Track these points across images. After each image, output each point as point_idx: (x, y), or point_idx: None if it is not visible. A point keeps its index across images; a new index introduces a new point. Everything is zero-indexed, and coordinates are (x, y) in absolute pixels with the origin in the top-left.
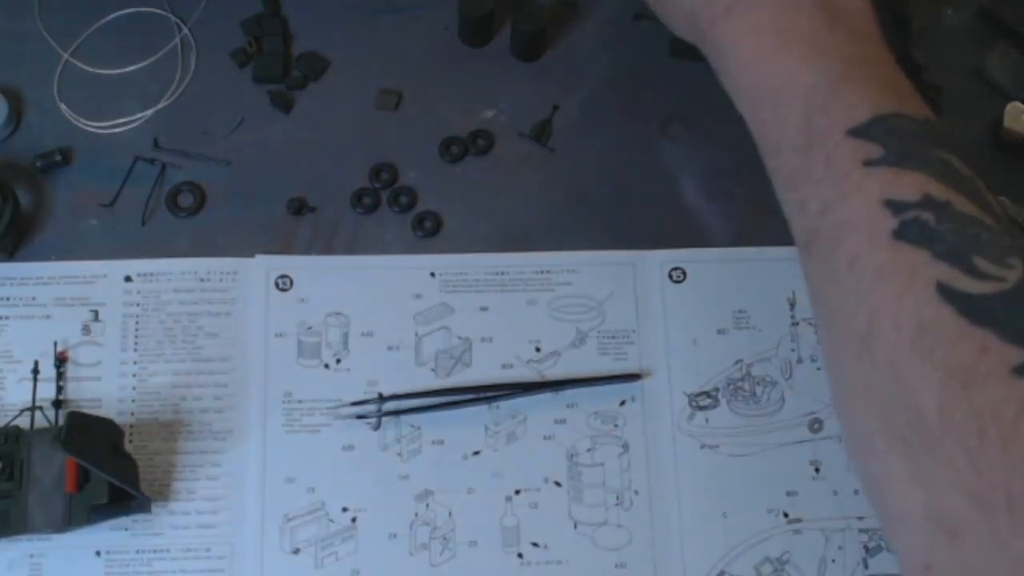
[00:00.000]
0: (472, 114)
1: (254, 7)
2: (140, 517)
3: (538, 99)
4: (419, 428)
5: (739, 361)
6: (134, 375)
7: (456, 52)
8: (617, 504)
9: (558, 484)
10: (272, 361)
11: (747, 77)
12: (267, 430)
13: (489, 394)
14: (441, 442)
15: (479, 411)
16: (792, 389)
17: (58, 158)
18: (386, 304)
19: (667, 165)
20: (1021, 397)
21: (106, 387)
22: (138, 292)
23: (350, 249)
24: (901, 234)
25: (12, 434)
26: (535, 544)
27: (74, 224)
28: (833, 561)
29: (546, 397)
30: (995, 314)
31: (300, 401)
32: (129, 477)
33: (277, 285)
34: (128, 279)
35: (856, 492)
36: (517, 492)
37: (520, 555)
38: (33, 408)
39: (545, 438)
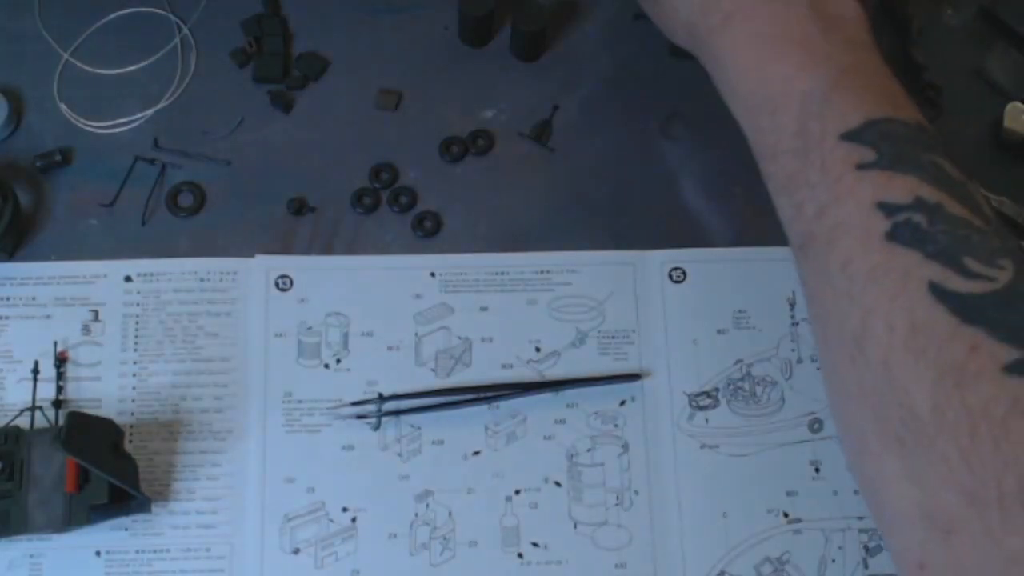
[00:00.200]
0: (472, 114)
1: (254, 7)
2: (140, 517)
3: (538, 99)
4: (419, 428)
5: (739, 361)
6: (134, 375)
7: (456, 52)
8: (617, 504)
9: (558, 484)
10: (272, 361)
11: (744, 85)
12: (267, 430)
13: (489, 394)
14: (441, 442)
15: (479, 411)
16: (792, 389)
17: (58, 158)
18: (386, 304)
19: (667, 165)
20: (1012, 395)
21: (106, 387)
22: (138, 292)
23: (350, 249)
24: (893, 236)
25: (12, 434)
26: (535, 544)
27: (74, 224)
28: (833, 561)
29: (546, 397)
30: (986, 313)
31: (300, 401)
32: (129, 477)
33: (277, 285)
34: (128, 279)
35: (856, 492)
36: (517, 492)
37: (520, 555)
38: (33, 408)
39: (545, 438)
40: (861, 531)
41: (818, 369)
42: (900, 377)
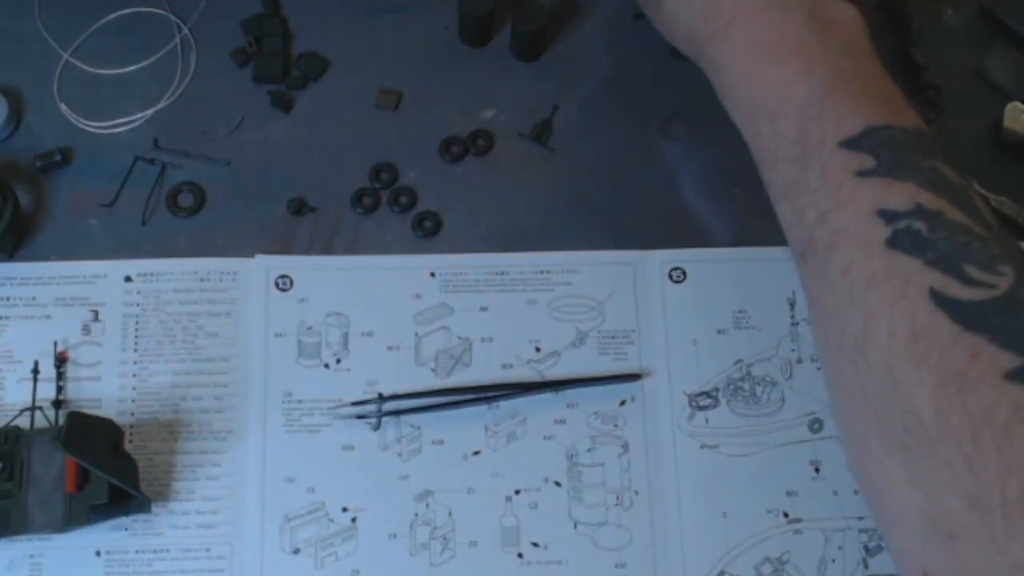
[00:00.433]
0: (472, 114)
1: (254, 7)
2: (140, 517)
3: (538, 99)
4: (419, 428)
5: (739, 361)
6: (134, 375)
7: (456, 52)
8: (617, 504)
9: (558, 484)
10: (272, 361)
11: (744, 91)
12: (267, 430)
13: (489, 394)
14: (441, 442)
15: (479, 411)
16: (792, 389)
17: (58, 158)
18: (386, 304)
19: (667, 165)
20: (1014, 401)
21: (106, 387)
22: (138, 292)
23: (350, 249)
24: (894, 243)
25: (12, 434)
26: (535, 544)
27: (74, 224)
28: (833, 561)
29: (546, 397)
30: (987, 320)
31: (300, 401)
32: (129, 477)
33: (277, 285)
34: (128, 279)
35: (856, 492)
36: (517, 492)
37: (520, 555)
38: (33, 408)
39: (545, 438)
40: (861, 531)
41: (818, 369)
42: (902, 382)
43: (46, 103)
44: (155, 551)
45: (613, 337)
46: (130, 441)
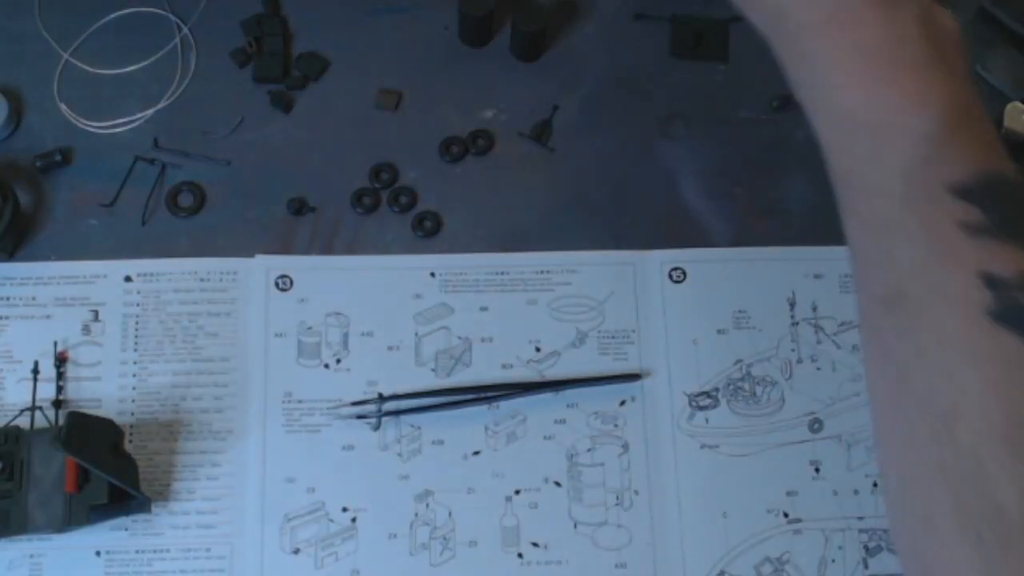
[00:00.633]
0: (472, 114)
1: (254, 7)
2: (140, 517)
3: (538, 99)
4: (419, 428)
5: (739, 361)
6: (134, 375)
7: (456, 52)
8: (617, 504)
9: (558, 484)
10: (272, 361)
11: (844, 102)
12: (267, 430)
13: (489, 394)
14: (441, 442)
15: (479, 411)
16: (792, 389)
17: (58, 158)
18: (386, 304)
19: (667, 165)
20: None
21: (106, 387)
22: (138, 292)
23: (350, 249)
24: (999, 316)
25: (12, 434)
26: (535, 544)
27: (74, 224)
28: (833, 561)
29: (546, 397)
30: None
31: (300, 401)
32: (129, 477)
33: (277, 285)
34: (128, 279)
35: (856, 492)
36: (517, 492)
37: (520, 555)
38: (33, 408)
39: (545, 438)
40: (861, 531)
41: (818, 369)
42: (991, 472)
43: (46, 103)
44: (155, 551)
45: (613, 337)
46: (130, 441)
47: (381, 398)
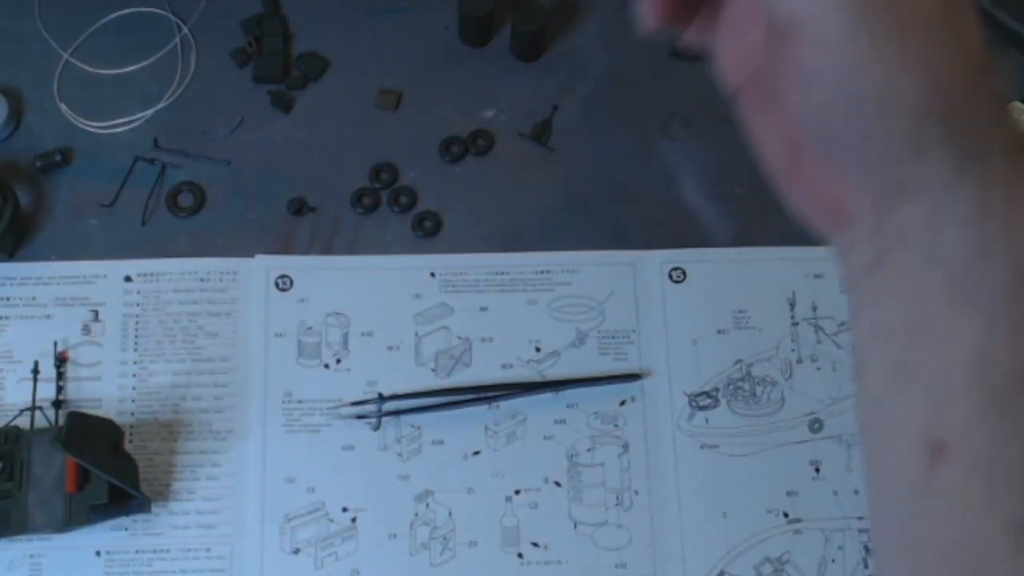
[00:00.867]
0: (472, 114)
1: (254, 7)
2: (140, 517)
3: (538, 99)
4: (419, 428)
5: (739, 361)
6: (134, 375)
7: (456, 52)
8: (617, 504)
9: (558, 484)
10: (272, 361)
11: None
12: (267, 430)
13: (489, 394)
14: (441, 442)
15: (479, 411)
16: (792, 389)
17: (58, 158)
18: (386, 304)
19: (667, 165)
20: None
21: (106, 387)
22: (138, 292)
23: (350, 249)
24: None
25: (12, 434)
26: (535, 544)
27: (74, 224)
28: (833, 561)
29: (546, 397)
30: None
31: (300, 401)
32: (129, 477)
33: (277, 285)
34: (128, 279)
35: (856, 492)
36: (517, 492)
37: (520, 555)
38: (33, 408)
39: (545, 438)
40: (861, 531)
41: (818, 369)
42: None
43: (46, 103)
44: (155, 551)
45: (613, 337)
46: (130, 441)
47: (381, 398)
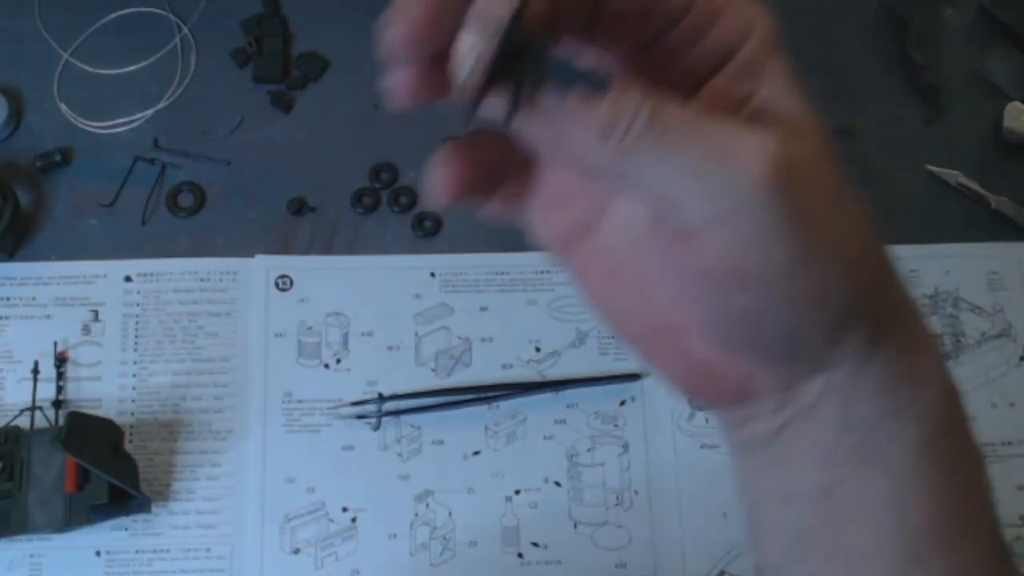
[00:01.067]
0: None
1: (254, 7)
2: (140, 517)
3: None
4: (419, 428)
5: None
6: (134, 375)
7: None
8: (617, 504)
9: (558, 484)
10: (272, 361)
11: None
12: (267, 430)
13: (489, 394)
14: (441, 442)
15: (479, 411)
16: None
17: (58, 158)
18: (386, 304)
19: None
20: None
21: (106, 387)
22: (138, 292)
23: (350, 249)
24: None
25: (12, 434)
26: (535, 544)
27: (74, 224)
28: None
29: (546, 397)
30: None
31: (300, 401)
32: (129, 477)
33: (277, 285)
34: (128, 279)
35: None
36: (517, 492)
37: (520, 555)
38: (33, 408)
39: (545, 438)
40: None
41: None
42: None
43: (46, 103)
44: (155, 551)
45: (613, 337)
46: (130, 441)
47: (381, 398)
